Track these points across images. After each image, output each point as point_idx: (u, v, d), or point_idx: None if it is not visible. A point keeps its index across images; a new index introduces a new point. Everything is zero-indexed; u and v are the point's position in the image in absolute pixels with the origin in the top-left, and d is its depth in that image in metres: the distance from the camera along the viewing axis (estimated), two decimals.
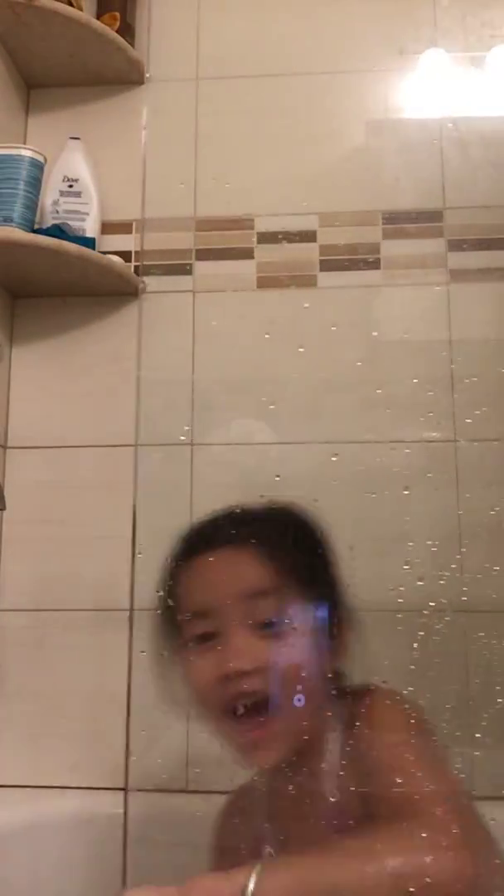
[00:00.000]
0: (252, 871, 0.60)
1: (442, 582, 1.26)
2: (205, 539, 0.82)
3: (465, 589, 1.26)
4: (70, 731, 1.27)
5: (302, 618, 0.77)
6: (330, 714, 0.79)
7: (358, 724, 0.76)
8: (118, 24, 1.40)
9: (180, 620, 0.81)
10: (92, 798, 1.22)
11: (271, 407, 1.34)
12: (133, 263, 1.40)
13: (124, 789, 1.14)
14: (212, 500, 1.31)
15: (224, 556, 0.80)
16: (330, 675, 0.80)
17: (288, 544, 0.81)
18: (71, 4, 1.33)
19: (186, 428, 1.34)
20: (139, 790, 1.21)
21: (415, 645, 1.25)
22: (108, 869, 1.16)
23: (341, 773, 0.76)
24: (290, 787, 0.78)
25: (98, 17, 1.40)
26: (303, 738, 0.76)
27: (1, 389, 1.36)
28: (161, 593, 0.85)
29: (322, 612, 0.79)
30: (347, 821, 0.73)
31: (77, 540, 1.32)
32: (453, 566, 1.26)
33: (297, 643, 0.76)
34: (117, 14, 1.40)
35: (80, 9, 1.35)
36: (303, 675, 0.75)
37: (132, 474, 1.34)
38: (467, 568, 1.26)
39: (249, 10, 1.46)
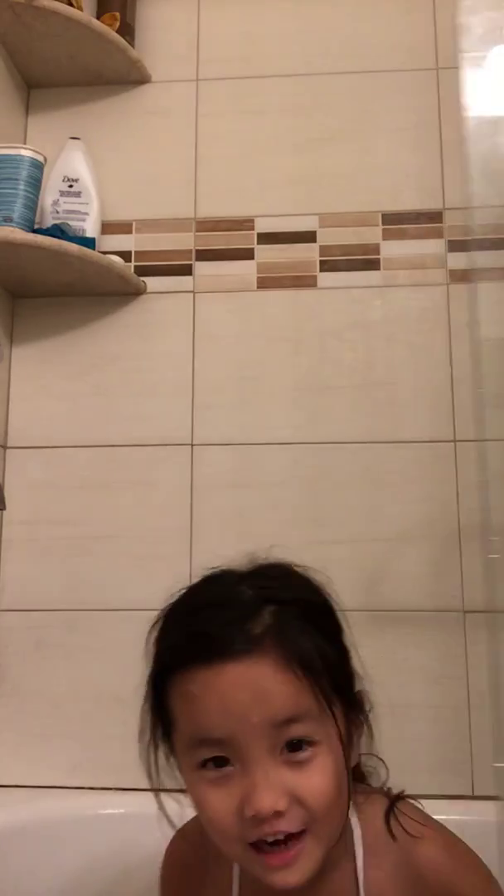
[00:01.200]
0: None
1: (442, 581, 1.27)
2: (224, 641, 0.64)
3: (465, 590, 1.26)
4: (70, 731, 1.27)
5: (330, 728, 0.66)
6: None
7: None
8: (118, 24, 1.40)
9: (182, 742, 0.67)
10: (92, 798, 1.22)
11: (271, 407, 1.34)
12: (133, 263, 1.40)
13: None
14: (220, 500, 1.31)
15: (252, 670, 0.64)
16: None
17: (314, 639, 0.66)
18: (71, 4, 1.33)
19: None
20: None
21: (414, 645, 1.25)
22: (107, 869, 1.16)
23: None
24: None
25: (98, 17, 1.40)
26: (329, 853, 0.67)
27: (1, 389, 1.36)
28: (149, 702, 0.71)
29: (348, 713, 0.69)
30: None
31: (77, 540, 1.32)
32: (453, 566, 1.27)
33: (327, 760, 0.65)
34: (117, 14, 1.40)
35: (80, 9, 1.35)
36: (338, 801, 0.65)
37: (133, 474, 1.34)
38: (466, 569, 1.26)
39: (249, 10, 1.46)
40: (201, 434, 1.34)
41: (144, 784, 1.23)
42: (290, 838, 0.63)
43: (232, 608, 0.66)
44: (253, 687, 0.63)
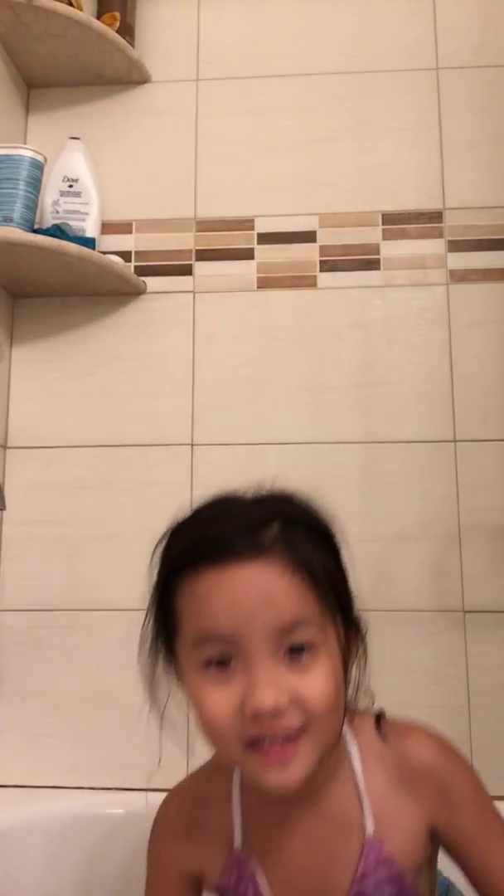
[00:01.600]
0: None
1: (442, 581, 1.27)
2: (233, 545, 0.66)
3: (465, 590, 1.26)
4: (70, 731, 1.27)
5: (330, 636, 0.68)
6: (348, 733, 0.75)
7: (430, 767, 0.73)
8: (118, 24, 1.40)
9: (186, 641, 0.68)
10: (92, 798, 1.22)
11: (271, 407, 1.34)
12: (133, 263, 1.40)
13: None
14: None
15: (260, 573, 0.65)
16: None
17: (318, 553, 0.69)
18: (71, 4, 1.33)
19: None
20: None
21: (415, 645, 1.25)
22: (107, 869, 1.16)
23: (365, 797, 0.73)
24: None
25: (98, 17, 1.40)
26: (328, 755, 0.70)
27: (1, 389, 1.36)
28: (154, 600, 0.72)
29: (347, 625, 0.71)
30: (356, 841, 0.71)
31: (77, 540, 1.32)
32: (453, 566, 1.27)
33: (326, 665, 0.66)
34: (117, 14, 1.40)
35: (80, 9, 1.35)
36: (336, 704, 0.67)
37: (133, 474, 1.34)
38: (466, 569, 1.26)
39: (249, 10, 1.46)
40: (201, 434, 1.34)
41: (144, 784, 1.23)
42: (288, 740, 0.65)
43: (241, 519, 0.68)
44: (260, 590, 0.65)
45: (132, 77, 1.45)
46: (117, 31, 1.39)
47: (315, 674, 0.65)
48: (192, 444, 1.34)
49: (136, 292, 1.39)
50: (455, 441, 1.30)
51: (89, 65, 1.42)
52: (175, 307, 1.39)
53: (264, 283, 1.38)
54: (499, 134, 1.39)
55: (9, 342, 1.39)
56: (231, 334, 1.37)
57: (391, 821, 0.72)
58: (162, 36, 1.47)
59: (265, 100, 1.43)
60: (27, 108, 1.47)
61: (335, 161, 1.41)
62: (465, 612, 1.25)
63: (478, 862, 0.72)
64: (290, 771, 0.65)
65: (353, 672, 0.72)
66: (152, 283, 1.40)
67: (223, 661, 0.66)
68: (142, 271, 1.39)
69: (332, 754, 0.71)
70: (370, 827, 0.72)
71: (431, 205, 1.38)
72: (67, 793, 1.24)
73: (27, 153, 1.26)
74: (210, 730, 0.67)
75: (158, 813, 0.81)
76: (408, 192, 1.39)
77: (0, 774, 1.26)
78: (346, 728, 0.73)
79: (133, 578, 1.30)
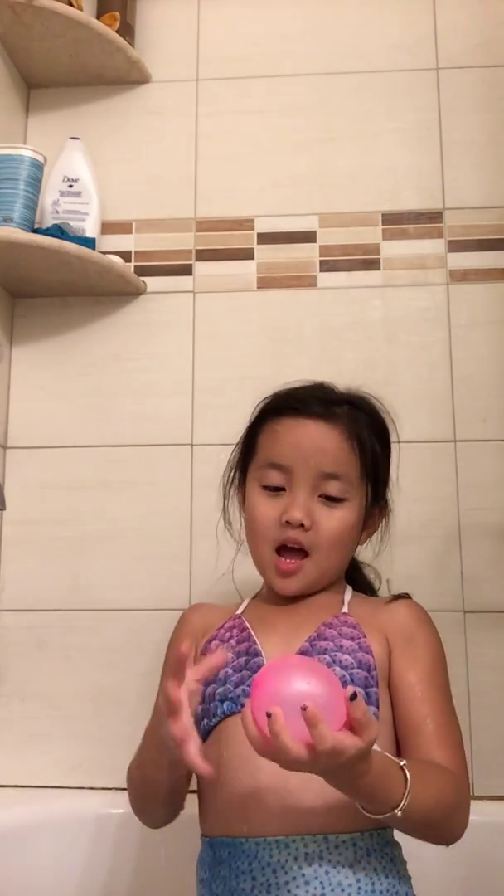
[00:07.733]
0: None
1: (442, 581, 1.27)
2: (311, 406, 0.94)
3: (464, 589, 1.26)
4: (70, 731, 1.27)
5: (359, 497, 0.94)
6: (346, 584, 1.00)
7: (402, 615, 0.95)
8: (118, 24, 1.40)
9: (257, 465, 0.96)
10: (92, 798, 1.22)
11: None
12: (133, 263, 1.40)
13: None
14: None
15: (322, 430, 0.93)
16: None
17: (370, 438, 0.96)
18: (71, 4, 1.33)
19: None
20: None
21: None
22: (107, 869, 1.16)
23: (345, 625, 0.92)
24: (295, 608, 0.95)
25: (98, 17, 1.40)
26: (324, 584, 0.96)
27: (1, 389, 1.36)
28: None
29: (371, 498, 0.97)
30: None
31: (77, 540, 1.32)
32: (453, 566, 1.27)
33: (347, 515, 0.93)
34: (117, 14, 1.40)
35: (80, 9, 1.35)
36: (340, 543, 0.94)
37: (133, 474, 1.34)
38: (466, 569, 1.26)
39: (249, 10, 1.46)
40: (201, 434, 1.34)
41: None
42: (298, 557, 0.92)
43: (322, 394, 0.98)
44: (319, 441, 0.93)
45: (132, 77, 1.45)
46: (117, 31, 1.39)
47: (336, 517, 0.92)
48: (192, 444, 1.34)
49: (136, 292, 1.39)
50: (455, 441, 1.30)
51: (89, 65, 1.42)
52: (175, 307, 1.39)
53: (264, 283, 1.38)
54: (499, 134, 1.39)
55: (9, 342, 1.39)
56: (231, 334, 1.37)
57: (362, 620, 0.92)
58: (162, 36, 1.47)
59: (265, 100, 1.43)
60: (27, 108, 1.47)
61: (335, 161, 1.41)
62: (465, 612, 1.25)
63: (405, 720, 0.87)
64: (293, 581, 0.93)
65: (368, 535, 1.01)
66: (152, 283, 1.40)
67: (277, 489, 0.93)
68: (142, 271, 1.39)
69: (329, 584, 0.96)
70: (345, 608, 0.94)
71: (431, 205, 1.38)
72: (67, 793, 1.24)
73: (27, 153, 1.26)
74: (254, 528, 0.95)
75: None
76: (408, 192, 1.39)
77: (0, 774, 1.26)
78: (346, 584, 1.00)
79: (133, 578, 1.31)
